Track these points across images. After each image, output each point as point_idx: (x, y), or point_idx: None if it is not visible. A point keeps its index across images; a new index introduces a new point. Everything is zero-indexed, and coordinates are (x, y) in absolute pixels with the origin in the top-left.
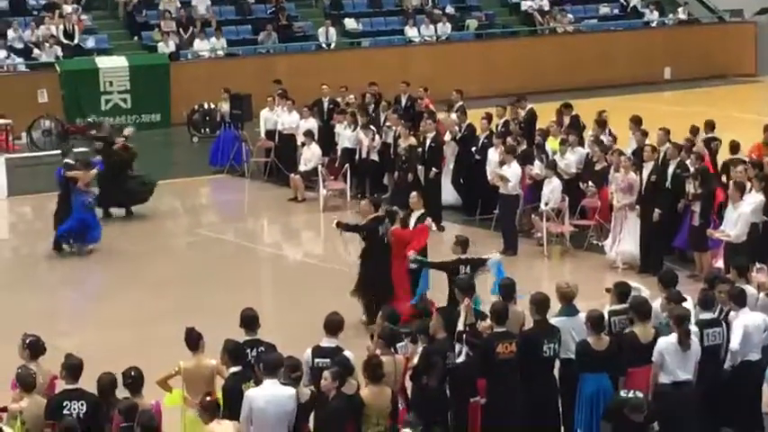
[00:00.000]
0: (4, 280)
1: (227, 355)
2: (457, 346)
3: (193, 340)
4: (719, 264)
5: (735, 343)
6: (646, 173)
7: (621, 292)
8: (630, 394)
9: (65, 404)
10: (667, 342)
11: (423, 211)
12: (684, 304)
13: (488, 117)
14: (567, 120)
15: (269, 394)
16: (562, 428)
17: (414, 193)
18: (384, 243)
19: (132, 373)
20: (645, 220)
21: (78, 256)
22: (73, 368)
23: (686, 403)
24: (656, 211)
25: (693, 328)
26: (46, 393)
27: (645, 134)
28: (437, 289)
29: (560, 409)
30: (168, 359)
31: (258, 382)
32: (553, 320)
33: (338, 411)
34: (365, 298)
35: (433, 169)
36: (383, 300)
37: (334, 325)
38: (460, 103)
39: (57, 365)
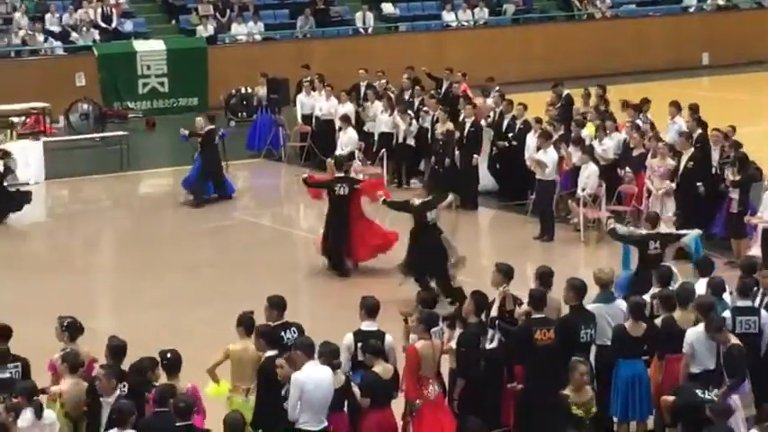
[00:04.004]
0: (42, 263)
1: (261, 339)
2: (489, 332)
3: (249, 325)
4: (754, 251)
5: None
6: (684, 159)
7: (664, 275)
8: (707, 395)
9: None
10: (696, 332)
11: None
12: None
13: (524, 106)
14: (595, 101)
15: (316, 377)
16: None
17: (328, 161)
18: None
19: (169, 355)
20: (681, 206)
21: (113, 240)
22: (116, 350)
23: None
24: (700, 186)
25: (727, 314)
26: (84, 375)
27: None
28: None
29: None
30: (203, 342)
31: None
32: (590, 307)
33: None
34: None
35: (475, 156)
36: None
37: (373, 308)
38: (497, 88)
39: (93, 348)
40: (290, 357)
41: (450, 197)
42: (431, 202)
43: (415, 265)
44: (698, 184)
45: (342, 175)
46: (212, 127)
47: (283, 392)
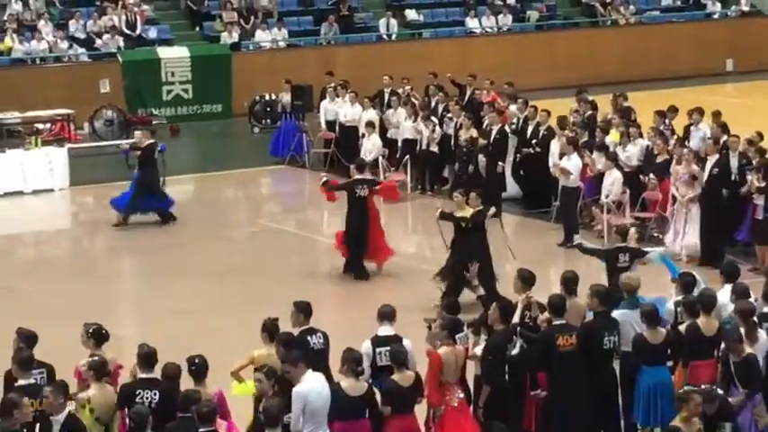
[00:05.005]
0: (66, 269)
1: (281, 347)
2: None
3: (272, 331)
4: None
5: None
6: (709, 165)
7: (687, 282)
8: (703, 387)
9: (138, 392)
10: None
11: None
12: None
13: (548, 113)
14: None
15: (317, 387)
16: (622, 421)
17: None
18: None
19: (196, 361)
20: (705, 212)
21: (138, 246)
22: (147, 357)
23: None
24: (724, 190)
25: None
26: (111, 381)
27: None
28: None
29: (621, 402)
30: (228, 348)
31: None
32: (615, 313)
33: None
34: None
35: (500, 164)
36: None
37: (389, 314)
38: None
39: (117, 354)
40: (286, 371)
41: (493, 209)
42: (484, 210)
43: (457, 269)
44: (723, 190)
45: (361, 177)
46: (152, 141)
47: (260, 408)
